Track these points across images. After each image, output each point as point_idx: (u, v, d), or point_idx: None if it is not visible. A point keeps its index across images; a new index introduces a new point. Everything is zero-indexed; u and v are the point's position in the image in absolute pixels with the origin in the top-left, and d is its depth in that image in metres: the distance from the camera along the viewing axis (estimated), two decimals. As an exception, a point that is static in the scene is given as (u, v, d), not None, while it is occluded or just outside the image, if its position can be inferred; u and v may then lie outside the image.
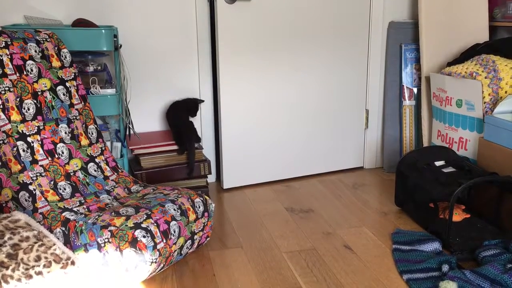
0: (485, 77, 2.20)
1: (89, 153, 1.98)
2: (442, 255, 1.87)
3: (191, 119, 2.52)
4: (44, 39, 1.96)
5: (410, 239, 2.00)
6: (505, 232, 1.99)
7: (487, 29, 2.68)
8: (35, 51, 1.91)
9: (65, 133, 1.92)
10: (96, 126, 2.05)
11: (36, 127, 1.82)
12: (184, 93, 2.59)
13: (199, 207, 1.89)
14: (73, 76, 2.02)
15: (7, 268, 1.31)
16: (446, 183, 2.01)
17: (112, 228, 1.63)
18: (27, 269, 1.33)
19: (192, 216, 1.84)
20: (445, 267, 1.73)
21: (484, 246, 1.87)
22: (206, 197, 1.95)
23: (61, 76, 1.98)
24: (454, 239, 1.95)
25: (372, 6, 2.73)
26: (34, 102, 1.84)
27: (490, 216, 2.09)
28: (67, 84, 1.99)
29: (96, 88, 2.15)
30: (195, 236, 1.86)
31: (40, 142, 1.81)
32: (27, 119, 1.80)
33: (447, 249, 1.93)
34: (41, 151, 1.81)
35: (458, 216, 2.11)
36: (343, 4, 2.65)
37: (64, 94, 1.96)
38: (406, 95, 2.81)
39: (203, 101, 2.57)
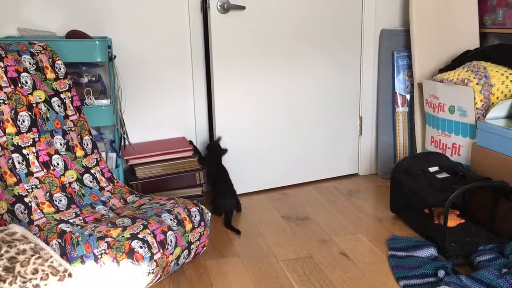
0: (477, 84, 2.23)
1: (84, 164, 1.98)
2: (438, 260, 1.88)
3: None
4: (38, 51, 1.96)
5: (406, 245, 2.01)
6: (499, 237, 2.00)
7: (478, 35, 2.71)
8: (30, 63, 1.91)
9: (60, 144, 1.92)
10: (91, 137, 2.05)
11: (31, 139, 1.82)
12: (178, 102, 2.59)
13: (196, 216, 1.89)
14: (67, 88, 2.02)
15: (4, 281, 1.30)
16: (441, 189, 2.02)
17: (108, 239, 1.63)
18: (24, 282, 1.33)
19: (188, 226, 1.84)
20: (441, 273, 1.74)
21: (479, 251, 1.88)
22: (202, 206, 1.96)
23: (56, 88, 1.98)
24: (449, 244, 1.96)
25: (364, 14, 2.75)
26: (29, 114, 1.84)
27: (484, 221, 2.10)
28: (62, 96, 1.99)
29: (90, 99, 2.15)
30: (192, 246, 1.86)
31: (35, 154, 1.81)
32: (22, 131, 1.80)
33: (443, 255, 1.94)
34: (37, 163, 1.80)
35: (453, 221, 2.13)
36: (335, 12, 2.67)
37: (59, 106, 1.96)
38: (399, 101, 2.83)
39: (226, 151, 2.57)
